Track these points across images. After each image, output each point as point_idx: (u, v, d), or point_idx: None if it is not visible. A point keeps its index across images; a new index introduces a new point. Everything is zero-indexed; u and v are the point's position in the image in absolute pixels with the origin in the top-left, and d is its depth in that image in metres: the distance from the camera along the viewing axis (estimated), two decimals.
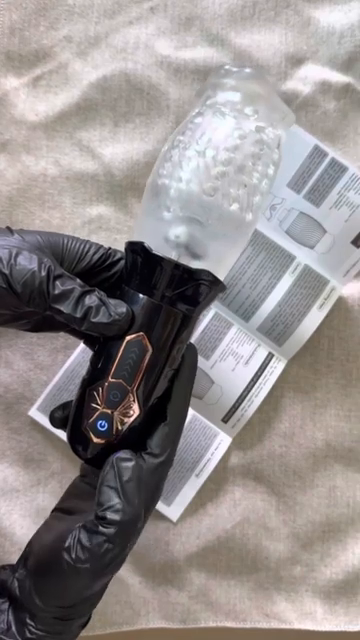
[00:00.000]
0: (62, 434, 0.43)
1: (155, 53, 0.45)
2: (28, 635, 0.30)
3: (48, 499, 0.44)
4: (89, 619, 0.33)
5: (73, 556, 0.29)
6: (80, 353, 0.44)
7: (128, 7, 0.45)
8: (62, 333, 0.44)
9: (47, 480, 0.44)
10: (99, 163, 0.45)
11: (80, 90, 0.44)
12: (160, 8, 0.45)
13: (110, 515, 0.29)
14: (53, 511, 0.35)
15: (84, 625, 0.33)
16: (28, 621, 0.30)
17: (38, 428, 0.44)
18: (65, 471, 0.44)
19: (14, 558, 0.43)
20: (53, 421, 0.36)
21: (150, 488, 0.31)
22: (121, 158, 0.44)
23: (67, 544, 0.29)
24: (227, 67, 0.36)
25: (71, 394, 0.43)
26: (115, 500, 0.29)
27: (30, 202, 0.44)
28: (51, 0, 0.44)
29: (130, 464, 0.30)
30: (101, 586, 0.31)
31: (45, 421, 0.43)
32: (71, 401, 0.34)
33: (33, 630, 0.30)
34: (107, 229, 0.45)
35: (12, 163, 0.44)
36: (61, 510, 0.34)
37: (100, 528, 0.29)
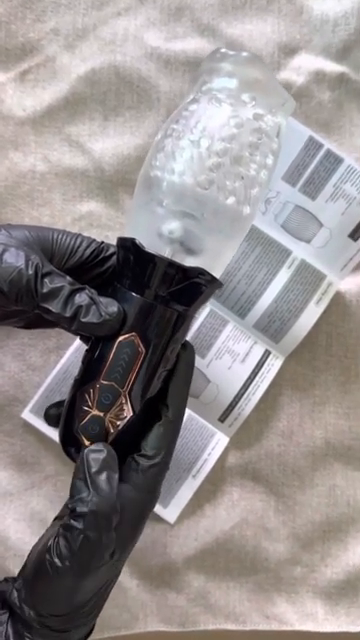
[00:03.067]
0: (56, 436, 0.42)
1: (144, 45, 0.44)
2: None
3: (42, 502, 0.43)
4: (90, 631, 0.32)
5: (53, 555, 0.28)
6: (73, 353, 0.43)
7: None
8: (54, 333, 0.43)
9: (41, 483, 0.43)
10: (89, 158, 0.44)
11: (68, 84, 0.43)
12: None
13: (79, 507, 0.28)
14: (54, 519, 0.34)
15: (85, 637, 0.32)
16: (26, 634, 0.29)
17: (31, 430, 0.43)
18: (59, 474, 0.43)
19: (9, 563, 0.43)
20: (48, 419, 0.35)
21: (145, 490, 0.30)
22: (111, 153, 0.43)
23: (49, 544, 0.29)
24: (223, 50, 0.34)
25: (64, 395, 0.42)
26: (84, 492, 0.29)
27: (19, 199, 0.43)
28: None
29: (100, 455, 0.29)
30: (91, 589, 0.30)
31: (38, 423, 0.43)
32: None
33: None
34: (98, 226, 0.44)
35: (0, 160, 0.43)
36: (59, 517, 0.34)
37: (71, 521, 0.28)
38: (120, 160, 0.43)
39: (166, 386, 0.32)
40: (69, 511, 0.29)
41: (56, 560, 0.28)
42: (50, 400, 0.42)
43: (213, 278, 0.32)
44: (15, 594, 0.30)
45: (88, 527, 0.28)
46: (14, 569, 0.42)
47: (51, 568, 0.29)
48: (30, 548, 0.43)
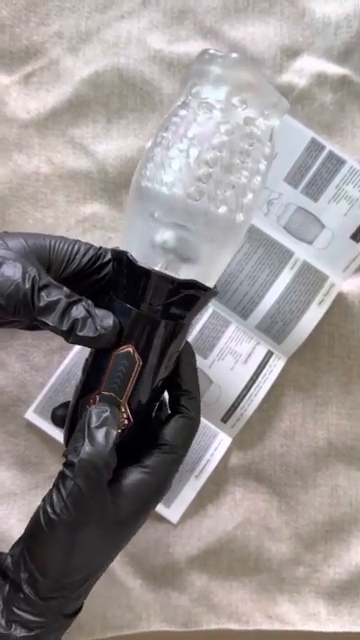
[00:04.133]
0: (59, 436, 0.43)
1: (148, 47, 0.44)
2: (11, 617, 0.29)
3: None
4: (78, 611, 0.32)
5: (47, 504, 0.29)
6: (76, 354, 0.43)
7: (119, 1, 0.44)
8: None
9: (45, 483, 0.44)
10: (92, 160, 0.44)
11: (72, 86, 0.44)
12: (152, 2, 0.44)
13: (71, 456, 0.29)
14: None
15: (72, 616, 0.32)
16: (14, 604, 0.30)
17: (34, 431, 0.43)
18: None
19: None
20: (55, 419, 0.35)
21: (154, 474, 0.31)
22: (115, 155, 0.44)
23: (46, 497, 0.30)
24: (212, 52, 0.33)
25: (67, 396, 0.43)
26: (79, 442, 0.29)
27: (23, 201, 0.44)
28: None
29: (103, 412, 0.30)
30: (83, 555, 0.30)
31: (42, 424, 0.43)
32: None
33: (16, 611, 0.30)
34: (102, 227, 0.44)
35: (4, 162, 0.43)
36: None
37: (64, 469, 0.29)
38: (123, 162, 0.44)
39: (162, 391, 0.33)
40: (64, 463, 0.30)
41: (48, 509, 0.29)
42: (53, 401, 0.43)
43: (207, 288, 0.32)
44: (9, 559, 0.31)
45: (78, 475, 0.29)
46: None
47: (44, 518, 0.29)
48: None
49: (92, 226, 0.44)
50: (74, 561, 0.30)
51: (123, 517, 0.30)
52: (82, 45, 0.44)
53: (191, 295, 0.31)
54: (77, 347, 0.43)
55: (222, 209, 0.31)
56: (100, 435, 0.29)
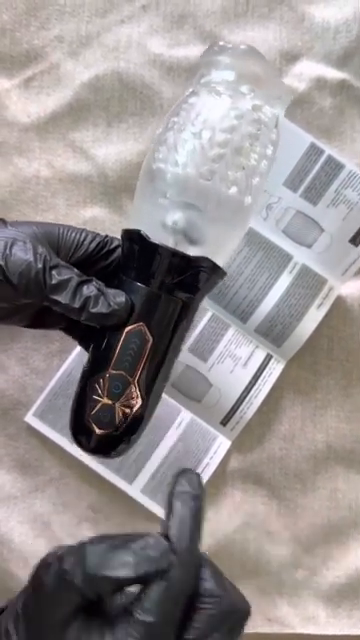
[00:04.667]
0: (59, 439, 0.43)
1: (148, 52, 0.44)
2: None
3: (46, 505, 0.43)
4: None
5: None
6: (76, 357, 0.43)
7: (120, 5, 0.44)
8: (58, 337, 0.44)
9: (45, 486, 0.44)
10: (92, 164, 0.44)
11: (72, 90, 0.44)
12: (152, 6, 0.44)
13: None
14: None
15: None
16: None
17: (34, 434, 0.43)
18: (63, 477, 0.44)
19: (13, 565, 0.43)
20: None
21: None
22: (114, 159, 0.44)
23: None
24: (221, 44, 0.34)
25: (67, 399, 0.43)
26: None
27: (23, 205, 0.44)
28: (42, 0, 0.44)
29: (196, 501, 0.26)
30: None
31: (42, 427, 0.43)
32: None
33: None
34: (101, 231, 0.44)
35: (4, 166, 0.44)
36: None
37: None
38: (123, 166, 0.44)
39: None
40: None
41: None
42: (53, 403, 0.43)
43: (216, 266, 0.32)
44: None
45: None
46: (17, 571, 0.43)
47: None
48: (33, 550, 0.43)
49: (92, 229, 0.44)
50: None
51: None
52: (82, 49, 0.44)
53: (201, 272, 0.32)
54: (77, 350, 0.43)
55: (233, 189, 0.32)
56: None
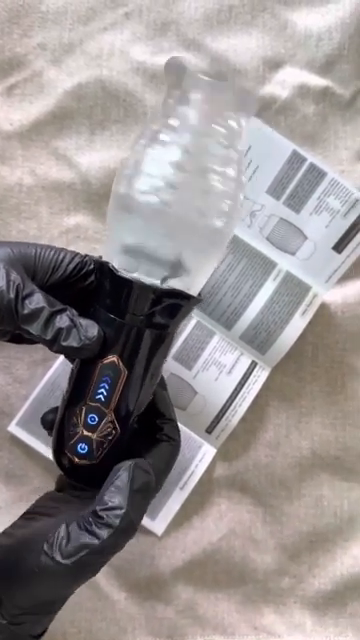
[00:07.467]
0: (43, 449, 0.43)
1: (131, 59, 0.44)
2: None
3: None
4: (43, 632, 0.32)
5: (54, 553, 0.28)
6: (60, 365, 0.43)
7: (102, 13, 0.44)
8: (41, 346, 0.43)
9: (29, 496, 0.43)
10: (76, 172, 0.44)
11: (55, 98, 0.44)
12: (135, 14, 0.44)
13: (109, 517, 0.28)
14: (21, 517, 0.34)
15: (38, 637, 0.31)
16: None
17: (18, 443, 0.43)
18: (48, 486, 0.43)
19: None
20: (45, 424, 0.35)
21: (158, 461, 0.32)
22: (98, 166, 0.44)
23: (50, 540, 0.28)
24: (179, 63, 0.32)
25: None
26: (120, 502, 0.28)
27: (6, 213, 0.44)
28: (24, 7, 0.44)
29: (146, 477, 0.30)
30: (72, 592, 0.30)
31: (25, 436, 0.43)
32: None
33: None
34: (85, 239, 0.44)
35: None
36: (31, 513, 0.34)
37: (94, 527, 0.28)
38: (107, 174, 0.44)
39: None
40: (93, 513, 0.28)
41: (57, 556, 0.28)
42: (37, 413, 0.42)
43: (190, 296, 0.32)
44: None
45: (110, 540, 0.28)
46: None
47: (46, 563, 0.28)
48: None
49: (76, 237, 0.44)
50: (62, 596, 0.30)
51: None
52: (65, 57, 0.44)
53: (174, 303, 0.31)
54: (60, 359, 0.43)
55: (197, 216, 0.31)
56: (140, 501, 0.29)
